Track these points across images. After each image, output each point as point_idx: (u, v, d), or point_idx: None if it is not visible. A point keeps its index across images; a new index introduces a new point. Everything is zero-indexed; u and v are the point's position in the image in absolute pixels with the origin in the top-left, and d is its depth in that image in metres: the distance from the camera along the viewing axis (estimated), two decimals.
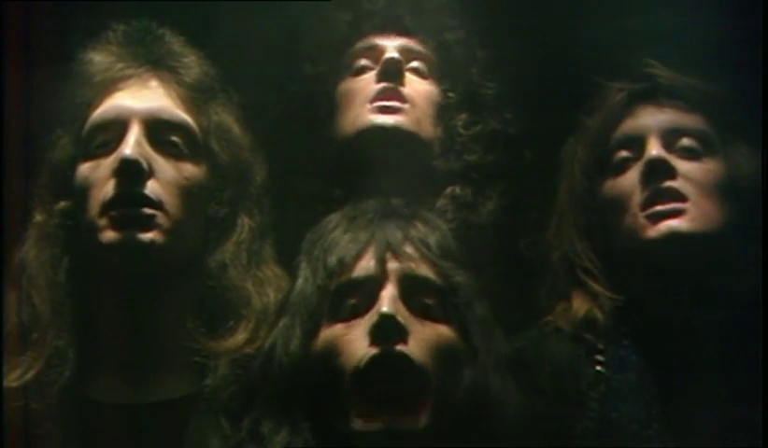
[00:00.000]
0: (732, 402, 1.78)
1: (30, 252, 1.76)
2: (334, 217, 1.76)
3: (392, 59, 1.98)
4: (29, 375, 1.72)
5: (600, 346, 1.86)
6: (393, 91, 1.97)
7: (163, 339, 1.77)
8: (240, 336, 1.75)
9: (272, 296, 1.78)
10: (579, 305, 1.87)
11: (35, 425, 1.73)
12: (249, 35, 2.03)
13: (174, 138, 1.76)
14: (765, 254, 1.81)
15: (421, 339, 1.64)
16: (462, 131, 2.00)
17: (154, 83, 1.78)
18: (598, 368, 1.85)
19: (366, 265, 1.68)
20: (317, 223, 1.78)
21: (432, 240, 1.71)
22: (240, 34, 2.03)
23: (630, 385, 1.83)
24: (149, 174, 1.72)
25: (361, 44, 2.04)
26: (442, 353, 1.65)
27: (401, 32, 2.03)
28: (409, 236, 1.70)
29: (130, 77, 1.77)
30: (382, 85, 1.97)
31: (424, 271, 1.68)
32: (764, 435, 1.75)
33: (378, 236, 1.69)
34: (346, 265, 1.68)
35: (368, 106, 1.97)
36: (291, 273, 1.76)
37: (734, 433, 1.77)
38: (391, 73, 1.97)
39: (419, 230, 1.72)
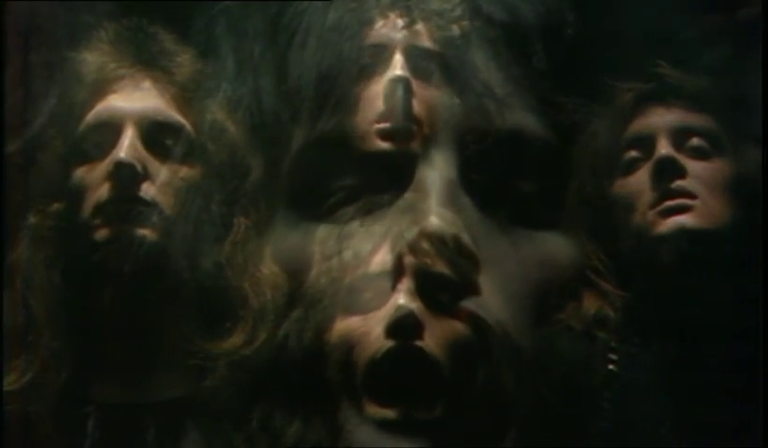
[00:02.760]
0: (736, 402, 1.77)
1: (24, 254, 1.76)
2: (348, 210, 1.75)
3: (401, 77, 1.84)
4: (26, 378, 1.72)
5: (613, 344, 1.85)
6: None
7: (160, 340, 1.77)
8: (238, 337, 1.74)
9: (269, 295, 1.77)
10: (590, 304, 1.87)
11: (34, 427, 1.73)
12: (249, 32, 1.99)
13: (168, 139, 1.76)
14: (765, 254, 1.79)
15: (437, 334, 1.64)
16: (471, 146, 1.90)
17: (147, 83, 1.77)
18: (611, 366, 1.84)
19: (382, 260, 1.68)
20: (323, 218, 1.75)
21: (448, 236, 1.69)
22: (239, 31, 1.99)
23: (642, 383, 1.82)
24: (144, 176, 1.73)
25: (368, 40, 1.90)
26: (457, 349, 1.65)
27: (406, 25, 1.93)
28: (426, 232, 1.68)
29: (123, 77, 1.77)
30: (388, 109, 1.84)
31: (440, 267, 1.67)
32: (764, 435, 1.74)
33: (395, 230, 1.68)
34: (361, 259, 1.68)
35: (374, 128, 1.83)
36: (292, 269, 1.75)
37: (742, 433, 1.76)
38: (400, 104, 1.84)
39: (436, 225, 1.70)
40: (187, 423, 1.75)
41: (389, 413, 1.61)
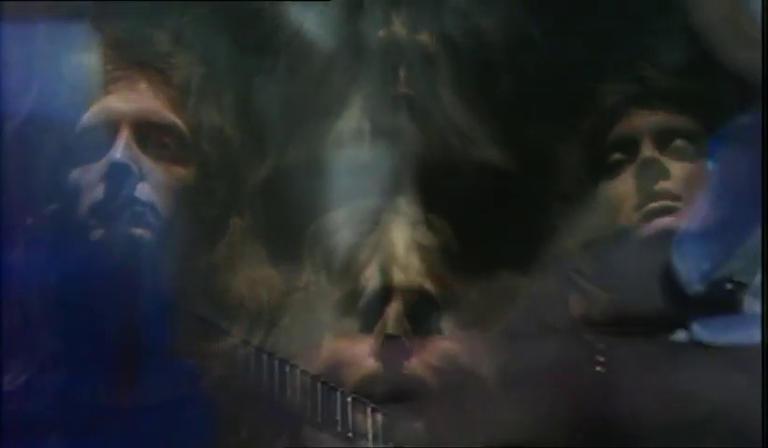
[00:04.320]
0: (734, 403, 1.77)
1: (21, 255, 1.76)
2: (338, 215, 1.76)
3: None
4: (22, 379, 1.73)
5: (600, 346, 1.86)
6: None
7: (156, 341, 1.77)
8: (234, 338, 1.75)
9: (265, 297, 1.78)
10: (575, 306, 1.88)
11: (31, 429, 1.74)
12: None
13: (163, 140, 1.77)
14: (765, 253, 1.81)
15: (427, 356, 1.65)
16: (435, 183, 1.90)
17: (143, 85, 1.78)
18: (597, 368, 1.85)
19: (371, 275, 1.69)
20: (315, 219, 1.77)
21: (437, 247, 1.71)
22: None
23: (629, 384, 1.82)
24: (140, 177, 1.73)
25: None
26: (447, 370, 1.66)
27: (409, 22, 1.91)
28: (415, 245, 1.70)
29: (119, 78, 1.78)
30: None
31: (428, 285, 1.69)
32: (764, 435, 1.74)
33: (384, 244, 1.70)
34: (350, 274, 1.69)
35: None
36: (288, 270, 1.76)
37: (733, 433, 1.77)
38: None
39: (425, 236, 1.72)
40: (183, 424, 1.76)
41: (376, 432, 1.63)
